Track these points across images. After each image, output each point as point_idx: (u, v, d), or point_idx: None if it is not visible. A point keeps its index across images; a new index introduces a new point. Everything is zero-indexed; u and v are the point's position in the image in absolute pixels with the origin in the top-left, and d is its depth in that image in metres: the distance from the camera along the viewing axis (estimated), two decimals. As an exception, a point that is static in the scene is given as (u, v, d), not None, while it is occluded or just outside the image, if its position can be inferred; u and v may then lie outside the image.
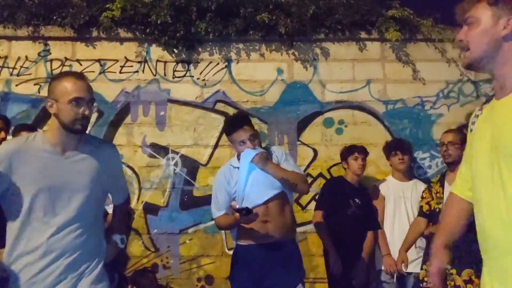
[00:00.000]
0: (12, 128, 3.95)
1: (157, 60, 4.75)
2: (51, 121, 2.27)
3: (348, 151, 4.22)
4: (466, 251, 3.38)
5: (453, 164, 3.62)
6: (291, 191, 3.21)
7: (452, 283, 3.38)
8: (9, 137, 4.23)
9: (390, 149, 4.32)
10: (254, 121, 4.69)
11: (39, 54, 4.69)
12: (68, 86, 2.17)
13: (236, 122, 3.15)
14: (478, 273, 3.30)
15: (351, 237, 3.99)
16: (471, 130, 1.77)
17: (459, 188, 1.90)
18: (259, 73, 4.79)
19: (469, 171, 1.74)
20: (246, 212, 2.90)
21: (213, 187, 3.27)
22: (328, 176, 4.61)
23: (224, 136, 4.65)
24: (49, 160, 2.21)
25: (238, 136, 3.05)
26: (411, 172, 4.53)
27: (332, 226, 3.99)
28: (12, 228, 2.18)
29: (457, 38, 1.68)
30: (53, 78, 2.36)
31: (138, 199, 4.58)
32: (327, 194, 4.11)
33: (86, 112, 2.20)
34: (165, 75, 4.75)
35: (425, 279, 3.58)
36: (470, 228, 3.41)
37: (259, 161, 3.03)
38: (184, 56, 4.77)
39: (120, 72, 4.70)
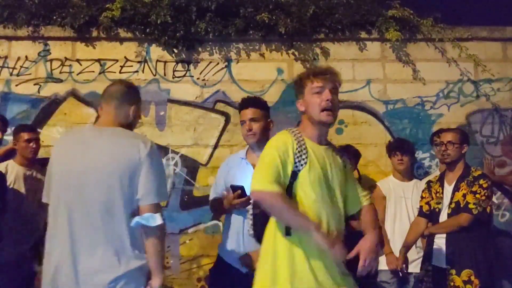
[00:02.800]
0: (13, 128, 3.96)
1: (157, 60, 4.75)
2: None
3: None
4: (466, 252, 3.39)
5: (452, 164, 3.62)
6: None
7: (452, 283, 3.38)
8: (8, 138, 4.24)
9: (391, 149, 4.32)
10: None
11: (39, 54, 4.69)
12: None
13: (244, 102, 3.08)
14: (477, 273, 3.32)
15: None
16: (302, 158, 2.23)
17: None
18: (259, 73, 4.79)
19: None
20: (242, 192, 2.77)
21: (217, 173, 3.22)
22: (328, 176, 4.59)
23: (224, 136, 4.68)
24: None
25: (240, 116, 3.01)
26: (412, 172, 4.53)
27: None
28: None
29: (328, 98, 2.21)
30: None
31: (138, 199, 4.58)
32: None
33: None
34: (165, 75, 4.75)
35: (425, 279, 3.59)
36: (469, 230, 3.44)
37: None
38: (184, 56, 4.77)
39: (120, 72, 4.70)
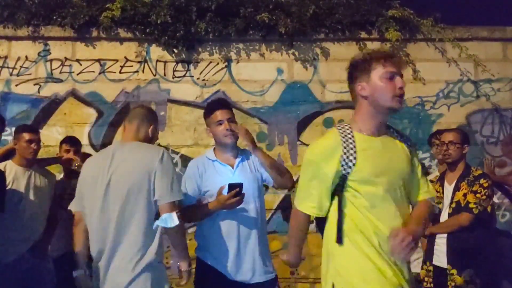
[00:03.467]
0: (14, 128, 3.94)
1: (157, 60, 4.75)
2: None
3: None
4: (467, 252, 3.39)
5: (453, 164, 3.61)
6: (276, 183, 2.94)
7: (453, 283, 3.38)
8: (8, 138, 4.24)
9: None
10: (254, 121, 4.71)
11: (39, 54, 4.69)
12: None
13: (218, 104, 3.00)
14: (478, 273, 3.32)
15: None
16: (353, 153, 2.06)
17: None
18: (259, 73, 4.79)
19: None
20: (239, 190, 2.65)
21: (183, 177, 2.98)
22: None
23: (224, 136, 4.67)
24: None
25: (215, 117, 2.87)
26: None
27: None
28: None
29: (402, 84, 2.06)
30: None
31: (138, 199, 4.57)
32: None
33: None
34: (165, 75, 4.75)
35: (425, 279, 3.59)
36: (470, 229, 3.43)
37: (246, 137, 2.82)
38: (184, 56, 4.77)
39: (120, 72, 4.71)
